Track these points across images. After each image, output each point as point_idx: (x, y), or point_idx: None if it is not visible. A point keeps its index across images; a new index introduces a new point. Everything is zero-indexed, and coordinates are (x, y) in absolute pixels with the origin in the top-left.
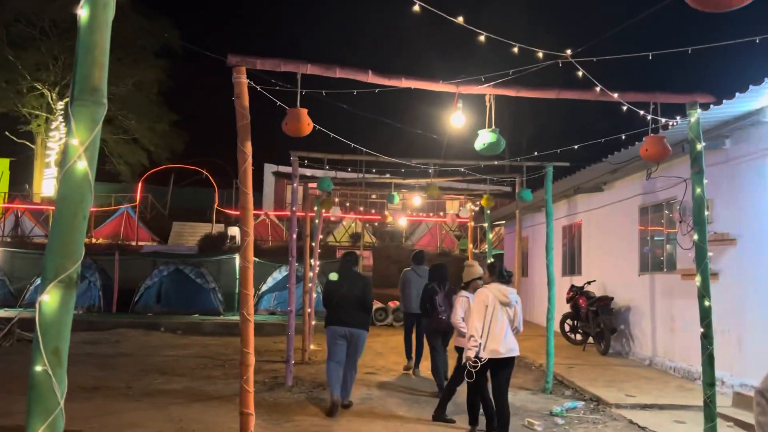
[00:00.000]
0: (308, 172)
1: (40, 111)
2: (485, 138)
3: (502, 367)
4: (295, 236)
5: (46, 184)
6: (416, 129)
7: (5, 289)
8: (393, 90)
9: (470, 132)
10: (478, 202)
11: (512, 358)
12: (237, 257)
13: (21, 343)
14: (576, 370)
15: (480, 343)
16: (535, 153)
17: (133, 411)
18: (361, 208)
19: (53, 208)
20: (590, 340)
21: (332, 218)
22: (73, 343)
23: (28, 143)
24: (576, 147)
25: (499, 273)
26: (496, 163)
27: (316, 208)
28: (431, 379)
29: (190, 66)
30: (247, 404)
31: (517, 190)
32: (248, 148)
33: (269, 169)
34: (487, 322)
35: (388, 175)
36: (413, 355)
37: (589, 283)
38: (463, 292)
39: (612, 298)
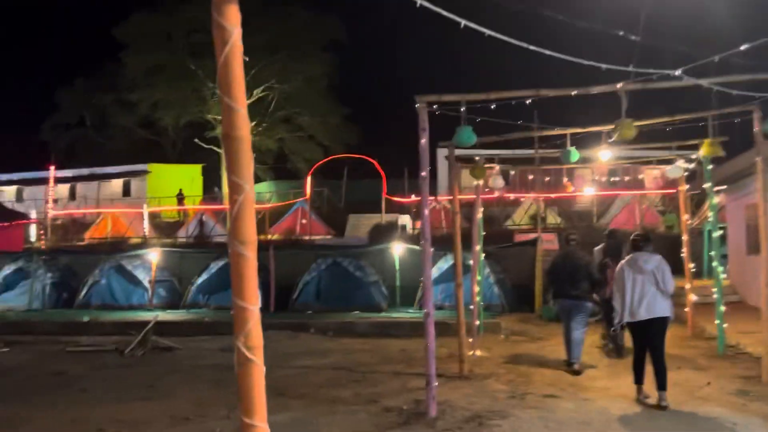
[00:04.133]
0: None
1: None
2: None
3: (647, 328)
4: (427, 212)
5: None
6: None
7: (173, 291)
8: None
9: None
10: (694, 156)
11: (656, 319)
12: (396, 245)
13: (154, 353)
14: None
15: (618, 311)
16: None
17: None
18: (531, 176)
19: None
20: None
21: (496, 192)
22: (209, 351)
23: (215, 148)
24: None
25: (633, 246)
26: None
27: (476, 183)
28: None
29: (357, 58)
30: None
31: (756, 126)
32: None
33: (443, 153)
34: (627, 291)
35: (556, 129)
36: None
37: None
38: None
39: None
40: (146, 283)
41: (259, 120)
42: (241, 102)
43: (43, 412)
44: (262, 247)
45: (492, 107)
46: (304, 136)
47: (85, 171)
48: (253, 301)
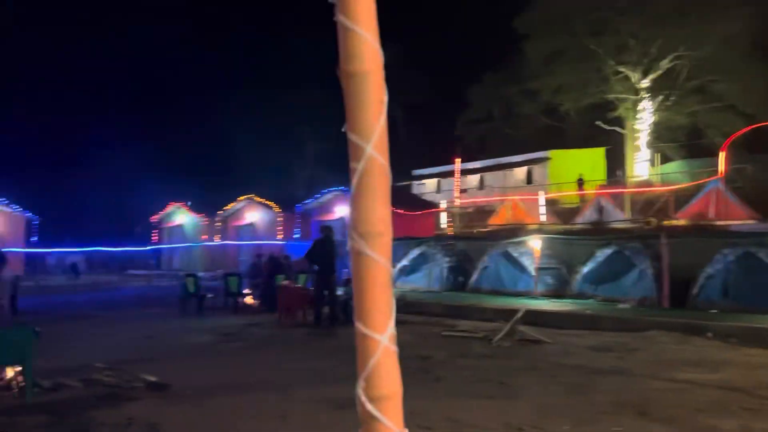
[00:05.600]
0: None
1: (626, 94)
2: None
3: None
4: None
5: (637, 167)
6: None
7: (560, 279)
8: None
9: None
10: None
11: None
12: None
13: (520, 345)
14: None
15: None
16: None
17: None
18: None
19: (629, 190)
20: None
21: None
22: (578, 348)
23: (617, 129)
24: None
25: None
26: None
27: None
28: None
29: None
30: None
31: None
32: None
33: None
34: None
35: None
36: None
37: None
38: None
39: None
40: (531, 270)
41: (667, 94)
42: (366, 23)
43: None
44: (654, 234)
45: None
46: (721, 106)
47: (491, 162)
48: (380, 327)
